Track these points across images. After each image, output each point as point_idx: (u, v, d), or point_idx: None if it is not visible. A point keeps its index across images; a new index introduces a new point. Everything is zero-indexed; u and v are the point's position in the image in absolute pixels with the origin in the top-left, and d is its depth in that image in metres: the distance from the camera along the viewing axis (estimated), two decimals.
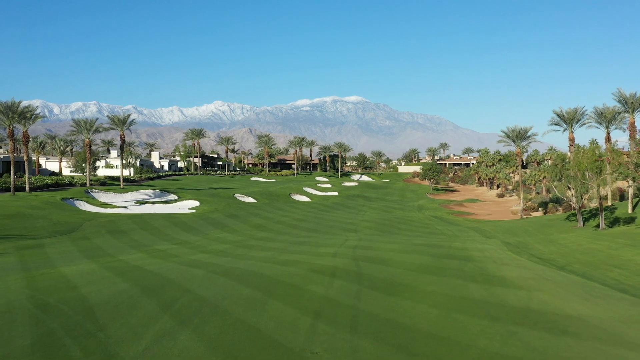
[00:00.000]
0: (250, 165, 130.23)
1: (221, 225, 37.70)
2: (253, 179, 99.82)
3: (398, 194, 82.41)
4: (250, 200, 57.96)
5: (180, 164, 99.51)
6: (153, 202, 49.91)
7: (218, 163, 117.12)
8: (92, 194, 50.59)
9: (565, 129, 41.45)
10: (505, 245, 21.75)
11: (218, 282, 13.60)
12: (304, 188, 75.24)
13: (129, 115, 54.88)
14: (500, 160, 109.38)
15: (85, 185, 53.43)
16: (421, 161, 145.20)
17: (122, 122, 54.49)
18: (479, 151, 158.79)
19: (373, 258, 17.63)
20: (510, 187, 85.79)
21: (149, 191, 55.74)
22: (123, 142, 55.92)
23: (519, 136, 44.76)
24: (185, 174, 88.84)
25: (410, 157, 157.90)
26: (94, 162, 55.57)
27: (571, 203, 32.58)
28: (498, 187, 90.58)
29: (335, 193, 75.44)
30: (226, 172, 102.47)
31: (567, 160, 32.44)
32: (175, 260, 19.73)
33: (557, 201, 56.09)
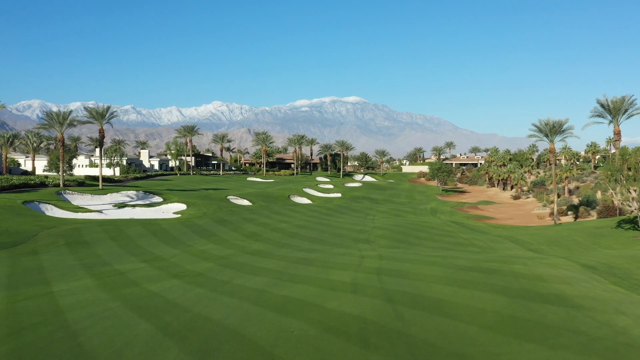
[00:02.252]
0: (247, 165, 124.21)
1: (208, 233, 31.81)
2: (249, 179, 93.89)
3: (406, 195, 76.55)
4: (245, 202, 52.05)
5: (172, 163, 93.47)
6: (134, 205, 43.98)
7: (213, 162, 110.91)
8: (64, 195, 44.70)
9: (610, 121, 35.72)
10: (589, 269, 15.86)
11: (166, 358, 7.74)
12: (304, 189, 69.35)
13: (109, 107, 48.91)
14: (510, 159, 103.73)
15: (58, 185, 47.49)
16: (426, 161, 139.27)
17: (100, 115, 48.50)
18: (486, 150, 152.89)
19: (415, 298, 11.76)
20: (525, 188, 79.98)
21: (131, 192, 49.79)
22: (102, 137, 49.89)
23: (553, 130, 38.96)
24: (176, 174, 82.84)
25: (415, 157, 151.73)
26: (70, 159, 49.72)
27: (631, 208, 26.73)
28: (512, 188, 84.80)
29: (339, 194, 69.55)
30: (221, 172, 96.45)
31: (627, 157, 26.61)
32: (127, 294, 13.85)
33: (588, 204, 50.31)
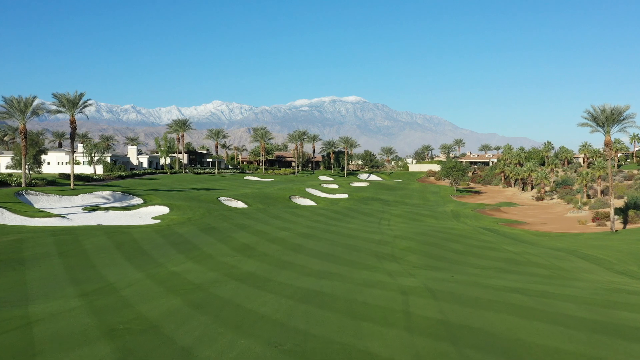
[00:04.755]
0: (244, 163, 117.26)
1: (188, 246, 25.02)
2: (247, 178, 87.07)
3: (418, 196, 69.81)
4: (240, 205, 45.33)
5: (163, 161, 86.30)
6: (107, 209, 37.21)
7: (208, 160, 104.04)
8: (26, 197, 37.95)
9: None
10: None
11: None
12: (306, 189, 62.58)
13: (82, 94, 42.11)
14: (525, 157, 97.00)
15: (21, 185, 40.74)
16: (434, 159, 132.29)
17: (72, 104, 41.68)
18: (497, 148, 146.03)
19: None
20: (548, 189, 73.16)
21: (107, 193, 43.09)
22: (74, 129, 43.12)
23: (610, 119, 32.20)
24: (166, 172, 75.92)
25: (423, 155, 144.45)
26: (38, 154, 43.03)
27: None
28: (532, 188, 78.03)
29: (345, 195, 62.84)
30: (216, 171, 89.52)
31: None
32: None
33: (637, 207, 43.56)
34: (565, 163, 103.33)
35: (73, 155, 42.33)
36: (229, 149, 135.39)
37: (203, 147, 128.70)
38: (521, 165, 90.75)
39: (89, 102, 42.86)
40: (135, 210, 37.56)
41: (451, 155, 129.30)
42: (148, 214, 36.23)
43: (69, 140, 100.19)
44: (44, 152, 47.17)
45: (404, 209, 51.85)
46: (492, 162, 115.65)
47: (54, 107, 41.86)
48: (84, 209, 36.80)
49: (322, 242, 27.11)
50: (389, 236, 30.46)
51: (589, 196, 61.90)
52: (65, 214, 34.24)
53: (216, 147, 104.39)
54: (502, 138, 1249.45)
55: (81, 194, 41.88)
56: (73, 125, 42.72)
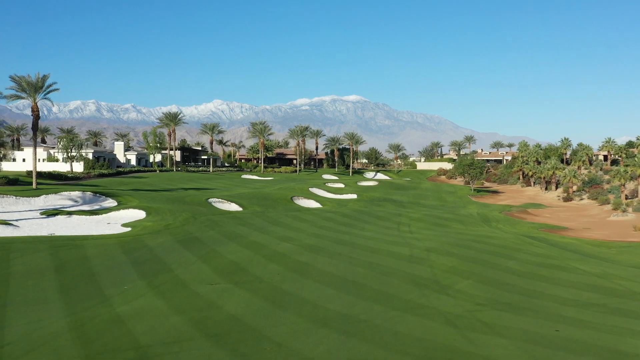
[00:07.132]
0: (242, 161, 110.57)
1: (157, 266, 18.42)
2: (244, 176, 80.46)
3: (433, 196, 63.24)
4: (233, 207, 38.78)
5: (152, 158, 79.35)
6: (71, 213, 30.65)
7: (202, 157, 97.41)
8: None
9: None
10: None
11: None
12: (310, 189, 56.00)
13: (46, 76, 35.62)
14: (542, 155, 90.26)
15: None
16: (445, 157, 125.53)
17: (34, 88, 35.12)
18: (510, 145, 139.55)
19: None
20: (575, 188, 66.49)
21: (77, 194, 36.55)
22: (37, 117, 36.60)
23: None
24: (155, 170, 69.26)
25: (432, 153, 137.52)
26: None
27: None
28: (557, 187, 71.37)
29: (354, 196, 56.26)
30: (211, 169, 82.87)
31: None
32: None
33: None
34: (587, 161, 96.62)
35: (36, 148, 35.88)
36: (226, 146, 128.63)
37: (198, 144, 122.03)
38: (539, 163, 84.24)
39: (55, 86, 36.35)
40: (104, 215, 31.02)
41: (462, 152, 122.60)
42: (119, 220, 29.66)
43: (51, 135, 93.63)
44: (3, 145, 40.72)
45: (422, 212, 45.25)
46: (506, 159, 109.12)
47: (10, 92, 35.24)
48: (42, 214, 30.26)
49: (335, 260, 20.49)
50: (419, 249, 23.82)
51: (626, 197, 55.28)
52: (14, 220, 27.65)
53: (211, 143, 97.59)
54: (502, 137, 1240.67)
55: (44, 195, 35.36)
56: (35, 112, 36.17)
